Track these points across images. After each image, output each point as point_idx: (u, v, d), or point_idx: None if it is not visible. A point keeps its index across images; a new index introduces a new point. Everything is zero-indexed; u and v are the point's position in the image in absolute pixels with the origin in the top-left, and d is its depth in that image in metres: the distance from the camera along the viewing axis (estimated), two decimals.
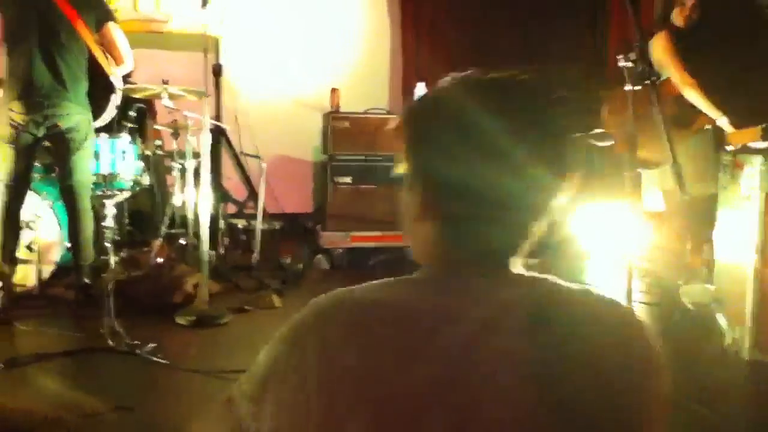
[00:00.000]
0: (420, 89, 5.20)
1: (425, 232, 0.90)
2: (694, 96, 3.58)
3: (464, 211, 0.86)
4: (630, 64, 1.83)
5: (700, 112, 3.60)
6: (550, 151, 0.87)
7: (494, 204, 0.85)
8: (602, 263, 4.59)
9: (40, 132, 3.45)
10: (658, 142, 3.00)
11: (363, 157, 4.98)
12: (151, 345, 2.93)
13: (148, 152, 4.35)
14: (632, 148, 1.89)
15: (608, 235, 4.55)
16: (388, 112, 5.31)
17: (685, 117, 3.69)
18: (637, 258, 4.34)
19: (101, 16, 3.55)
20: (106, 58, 3.58)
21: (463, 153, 0.85)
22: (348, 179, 4.94)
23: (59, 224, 3.77)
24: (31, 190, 3.61)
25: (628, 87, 1.84)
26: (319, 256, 4.76)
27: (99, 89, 3.58)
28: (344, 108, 5.18)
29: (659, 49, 3.70)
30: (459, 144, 0.86)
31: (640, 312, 3.78)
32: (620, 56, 1.85)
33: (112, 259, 3.81)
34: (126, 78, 4.45)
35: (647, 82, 1.87)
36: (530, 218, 0.89)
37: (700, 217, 3.79)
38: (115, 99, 3.62)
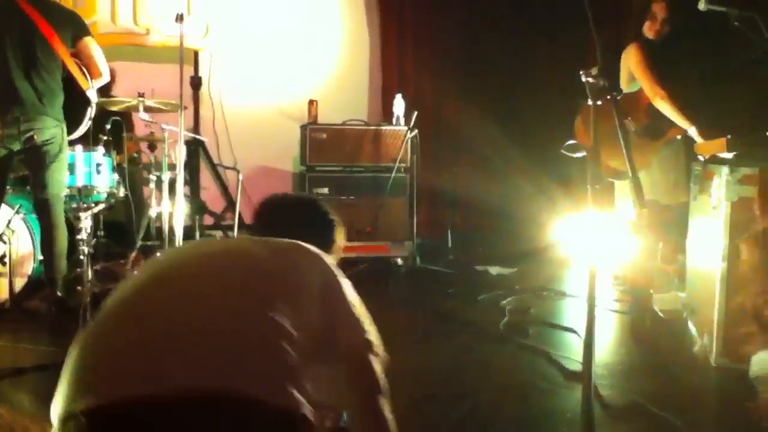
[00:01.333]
0: (398, 100, 5.25)
1: None
2: (665, 107, 3.64)
3: None
4: (591, 80, 1.87)
5: (672, 122, 3.67)
6: None
7: None
8: (582, 272, 4.63)
9: (16, 146, 3.44)
10: (628, 153, 3.05)
11: (341, 168, 5.01)
12: None
13: (123, 164, 4.34)
14: (595, 161, 1.91)
15: (586, 244, 4.61)
16: (366, 124, 5.34)
17: (657, 127, 3.75)
18: (609, 266, 4.41)
19: (77, 31, 3.56)
20: (82, 72, 3.58)
21: None
22: (326, 190, 4.97)
23: (32, 237, 3.75)
24: (4, 202, 3.59)
25: (590, 102, 1.88)
26: None
27: (75, 103, 3.58)
28: (323, 119, 5.21)
29: (632, 60, 3.77)
30: None
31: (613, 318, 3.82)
32: (582, 72, 1.88)
33: (88, 272, 3.81)
34: (105, 90, 4.45)
35: (608, 97, 1.91)
36: None
37: (673, 226, 3.86)
38: (90, 112, 3.62)
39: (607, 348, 3.32)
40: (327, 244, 1.77)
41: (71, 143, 3.69)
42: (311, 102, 5.28)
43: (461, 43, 6.04)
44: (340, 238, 1.85)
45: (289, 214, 1.84)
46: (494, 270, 4.92)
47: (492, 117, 5.65)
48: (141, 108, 4.07)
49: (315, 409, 1.15)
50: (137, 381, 1.08)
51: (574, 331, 3.48)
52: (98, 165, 3.92)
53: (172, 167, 4.07)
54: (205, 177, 5.37)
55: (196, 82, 5.42)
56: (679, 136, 3.79)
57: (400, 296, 4.56)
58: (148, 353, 1.13)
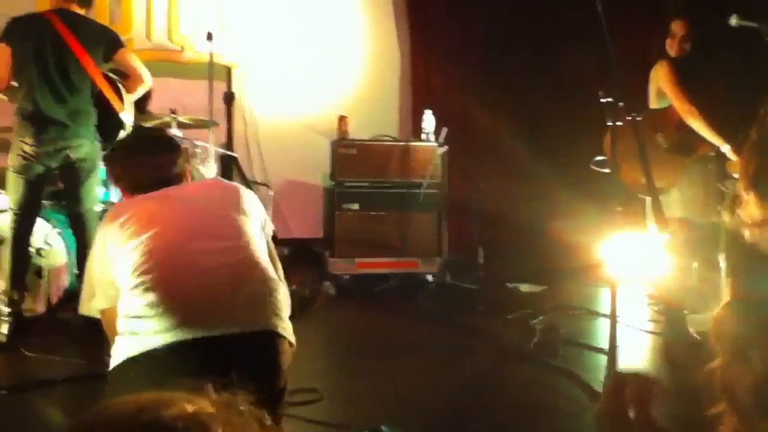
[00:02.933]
0: (428, 116, 5.25)
1: None
2: (696, 124, 3.58)
3: None
4: (610, 100, 1.84)
5: (703, 138, 3.60)
6: None
7: None
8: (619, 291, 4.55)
9: (53, 163, 3.52)
10: (659, 170, 3.00)
11: (370, 184, 5.02)
12: None
13: None
14: (615, 180, 1.89)
15: (618, 263, 4.52)
16: (396, 139, 5.35)
17: (688, 144, 3.68)
18: (643, 285, 4.32)
19: (111, 45, 3.63)
20: (117, 93, 3.65)
21: None
22: (355, 205, 4.98)
23: (68, 251, 3.83)
24: (40, 217, 3.68)
25: (609, 122, 1.85)
26: (326, 282, 4.78)
27: (109, 122, 3.65)
28: (353, 135, 5.23)
29: (661, 76, 3.71)
30: None
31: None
32: (601, 92, 1.86)
33: None
34: (142, 107, 4.56)
35: (628, 118, 1.89)
36: None
37: (707, 244, 3.77)
38: (123, 135, 3.68)
39: (637, 367, 3.26)
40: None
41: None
42: (341, 117, 5.31)
43: (490, 58, 6.02)
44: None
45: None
46: (525, 287, 4.86)
47: (522, 132, 5.61)
48: (174, 124, 4.15)
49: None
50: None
51: (605, 352, 3.41)
52: None
53: None
54: None
55: (228, 98, 5.48)
56: (711, 153, 3.71)
57: (428, 312, 4.54)
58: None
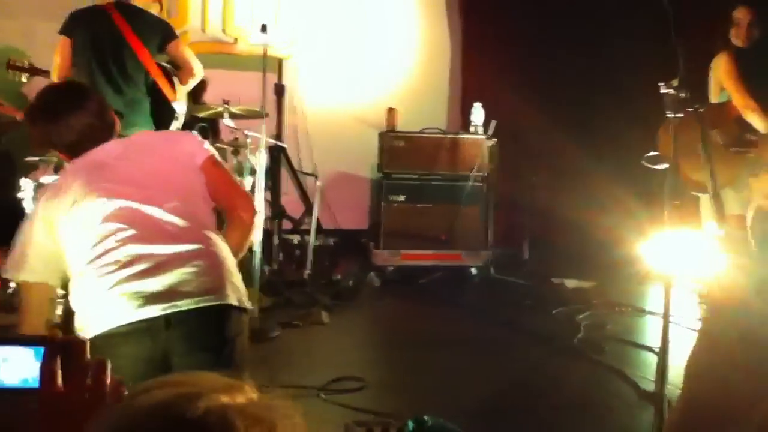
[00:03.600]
0: (477, 109, 5.22)
1: None
2: (756, 120, 3.47)
3: None
4: (671, 91, 1.81)
5: (763, 135, 3.49)
6: None
7: None
8: (671, 289, 4.45)
9: None
10: (715, 166, 2.92)
11: (417, 176, 5.03)
12: None
13: None
14: (674, 175, 1.85)
15: (668, 260, 4.42)
16: (444, 132, 5.34)
17: (747, 140, 3.57)
18: (695, 284, 4.22)
19: (165, 36, 3.70)
20: (170, 83, 3.74)
21: None
22: (402, 197, 5.00)
23: None
24: None
25: (669, 114, 1.82)
26: (371, 273, 4.82)
27: (163, 111, 3.75)
28: (401, 127, 5.24)
29: (720, 70, 3.61)
30: None
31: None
32: (662, 83, 1.82)
33: None
34: (197, 97, 4.67)
35: (690, 110, 1.85)
36: None
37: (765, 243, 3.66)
38: (176, 124, 3.77)
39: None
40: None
41: None
42: (390, 109, 5.33)
43: (543, 51, 5.94)
44: None
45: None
46: (571, 283, 4.80)
47: (573, 126, 5.53)
48: (226, 115, 4.24)
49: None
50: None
51: (651, 350, 3.36)
52: None
53: (254, 172, 4.21)
54: (286, 182, 5.50)
55: (279, 90, 5.56)
56: None
57: (473, 306, 4.53)
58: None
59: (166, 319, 1.76)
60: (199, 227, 1.94)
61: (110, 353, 1.60)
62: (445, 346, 3.60)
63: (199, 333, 1.82)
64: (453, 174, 5.05)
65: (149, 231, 1.87)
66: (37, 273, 1.91)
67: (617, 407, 2.77)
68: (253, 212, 2.06)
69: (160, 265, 1.81)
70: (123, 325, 1.75)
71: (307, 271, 4.56)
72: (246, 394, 0.67)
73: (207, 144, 2.12)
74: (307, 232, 4.86)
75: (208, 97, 4.98)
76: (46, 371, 0.78)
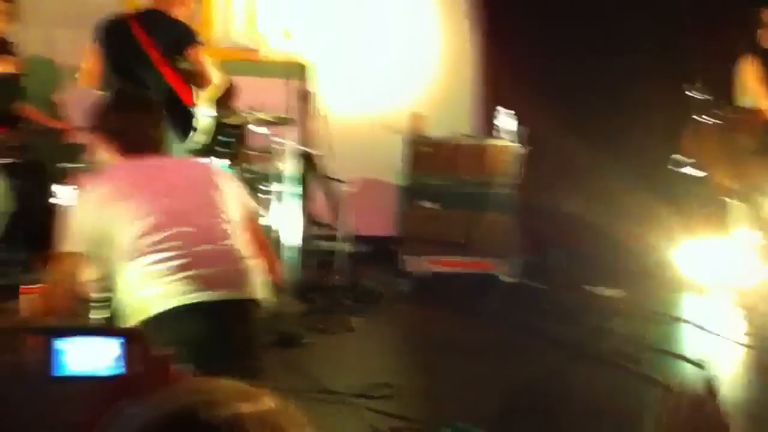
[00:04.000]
0: (503, 114, 5.19)
1: None
2: None
3: None
4: (695, 94, 1.77)
5: None
6: None
7: None
8: (696, 297, 4.39)
9: None
10: (742, 172, 2.87)
11: (443, 182, 5.02)
12: None
13: (236, 174, 4.53)
14: (712, 178, 1.82)
15: (701, 268, 4.36)
16: (470, 137, 5.32)
17: None
18: (731, 293, 4.15)
19: (184, 41, 3.71)
20: (189, 88, 3.75)
21: None
22: (428, 203, 4.98)
23: None
24: None
25: (695, 117, 1.78)
26: (399, 279, 4.80)
27: (181, 116, 3.75)
28: (426, 131, 5.23)
29: (747, 75, 3.56)
30: None
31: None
32: (686, 85, 1.79)
33: None
34: (225, 103, 4.70)
35: (715, 112, 1.81)
36: None
37: None
38: (193, 134, 3.78)
39: (724, 381, 3.14)
40: None
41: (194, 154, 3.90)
42: (415, 115, 5.32)
43: (569, 55, 5.89)
44: None
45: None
46: (601, 291, 4.75)
47: (601, 131, 5.48)
48: (253, 121, 4.26)
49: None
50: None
51: (686, 359, 3.31)
52: None
53: (281, 179, 4.22)
54: (313, 188, 5.51)
55: (303, 95, 5.58)
56: None
57: (501, 313, 4.48)
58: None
59: (213, 306, 2.00)
60: (241, 238, 2.18)
61: (166, 331, 1.86)
62: (473, 353, 3.58)
63: (237, 323, 2.07)
64: (480, 180, 5.02)
65: (202, 229, 2.09)
66: (77, 246, 2.05)
67: (649, 417, 2.73)
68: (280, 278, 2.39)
69: (208, 259, 2.03)
70: (177, 307, 1.96)
71: (336, 277, 4.56)
72: (263, 403, 0.69)
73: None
74: (335, 238, 4.86)
75: (236, 103, 5.01)
76: (121, 360, 0.82)
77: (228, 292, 2.03)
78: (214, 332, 1.99)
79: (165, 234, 2.02)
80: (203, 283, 1.99)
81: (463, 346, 3.69)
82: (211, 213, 2.15)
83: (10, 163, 3.86)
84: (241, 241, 2.16)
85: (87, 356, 0.85)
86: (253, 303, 2.11)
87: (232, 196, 2.25)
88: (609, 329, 3.82)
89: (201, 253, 2.04)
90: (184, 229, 2.05)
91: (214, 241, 2.09)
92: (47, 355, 0.83)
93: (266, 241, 2.41)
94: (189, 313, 1.96)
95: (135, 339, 0.85)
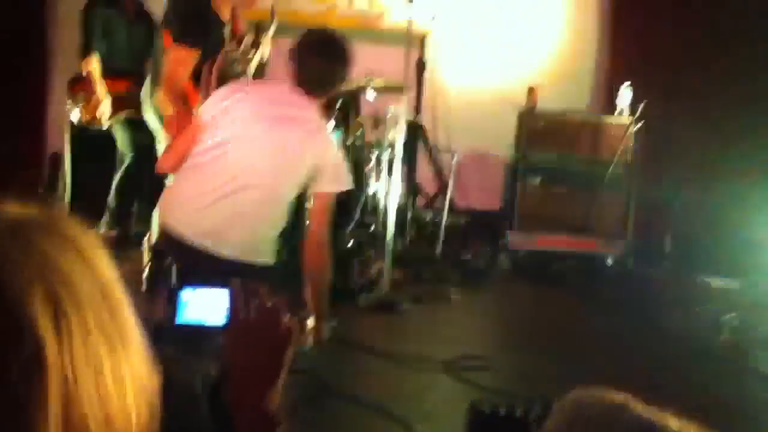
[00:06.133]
0: (625, 90, 4.98)
1: None
2: None
3: None
4: None
5: None
6: None
7: None
8: None
9: None
10: None
11: (556, 158, 4.89)
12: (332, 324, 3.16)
13: (349, 141, 4.64)
14: None
15: None
16: (587, 113, 5.15)
17: None
18: None
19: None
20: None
21: None
22: (538, 180, 4.88)
23: None
24: None
25: None
26: (502, 255, 4.76)
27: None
28: (541, 106, 5.11)
29: None
30: None
31: None
32: None
33: None
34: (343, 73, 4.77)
35: None
36: None
37: None
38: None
39: None
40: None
41: None
42: (531, 89, 5.20)
43: (702, 32, 5.53)
44: None
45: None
46: (716, 282, 4.50)
47: (729, 114, 5.13)
48: (368, 88, 4.32)
49: None
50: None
51: None
52: None
53: (391, 147, 4.27)
54: (421, 158, 5.54)
55: (420, 66, 5.58)
56: None
57: (607, 298, 4.36)
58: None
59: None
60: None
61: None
62: (573, 336, 3.52)
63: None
64: (594, 158, 4.86)
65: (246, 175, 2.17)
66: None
67: (763, 418, 2.59)
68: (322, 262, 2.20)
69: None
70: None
71: (438, 249, 4.59)
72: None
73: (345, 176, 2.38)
74: (440, 209, 4.88)
75: (352, 71, 5.09)
76: (235, 308, 0.89)
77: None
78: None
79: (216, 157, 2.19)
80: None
81: (563, 328, 3.64)
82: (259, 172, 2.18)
83: (136, 118, 4.08)
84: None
85: (205, 307, 0.93)
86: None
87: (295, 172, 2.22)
88: (722, 321, 3.63)
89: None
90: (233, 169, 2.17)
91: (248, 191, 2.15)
92: (173, 306, 0.91)
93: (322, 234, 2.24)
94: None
95: (245, 291, 0.91)
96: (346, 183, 2.36)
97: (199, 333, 0.90)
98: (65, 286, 0.57)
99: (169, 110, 2.96)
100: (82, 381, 0.55)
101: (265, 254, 2.10)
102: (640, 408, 0.72)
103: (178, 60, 2.92)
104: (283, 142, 2.21)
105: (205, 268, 1.97)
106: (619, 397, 0.75)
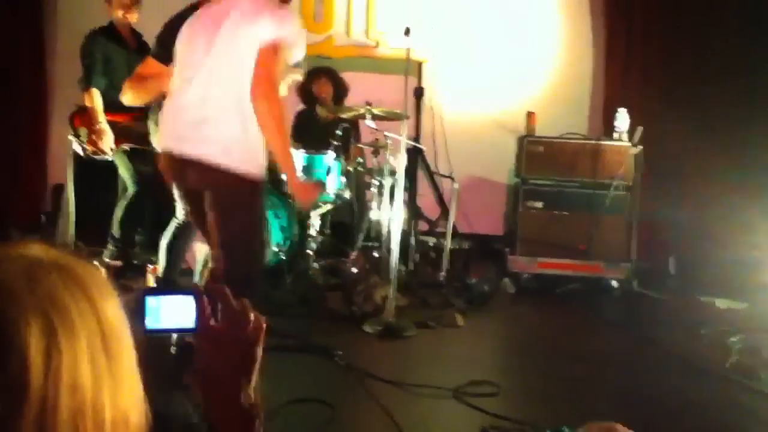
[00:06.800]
0: (622, 115, 5.02)
1: None
2: None
3: None
4: None
5: None
6: None
7: None
8: None
9: None
10: None
11: (556, 182, 4.91)
12: (338, 352, 3.14)
13: (350, 168, 4.66)
14: None
15: None
16: (586, 138, 5.18)
17: None
18: None
19: None
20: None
21: None
22: (540, 204, 4.90)
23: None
24: None
25: None
26: (506, 279, 4.75)
27: None
28: (540, 131, 5.14)
29: None
30: None
31: None
32: None
33: (314, 266, 4.15)
34: (339, 100, 4.85)
35: None
36: None
37: None
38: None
39: None
40: None
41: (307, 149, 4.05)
42: (529, 114, 5.25)
43: (695, 57, 5.61)
44: None
45: None
46: (722, 303, 4.49)
47: (725, 136, 5.18)
48: (368, 116, 4.35)
49: None
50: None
51: None
52: (329, 168, 4.25)
53: (392, 173, 4.29)
54: (423, 184, 5.56)
55: (418, 93, 5.63)
56: None
57: (612, 320, 4.35)
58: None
59: None
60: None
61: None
62: (581, 359, 3.49)
63: None
64: (594, 181, 4.88)
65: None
66: None
67: None
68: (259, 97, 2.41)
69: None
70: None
71: (443, 274, 4.59)
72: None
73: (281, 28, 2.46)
74: (443, 234, 4.88)
75: (350, 99, 5.14)
76: (199, 314, 0.94)
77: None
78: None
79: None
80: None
81: (570, 351, 3.61)
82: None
83: (138, 149, 4.12)
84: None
85: (174, 313, 0.97)
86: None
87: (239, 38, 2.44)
88: (727, 343, 3.61)
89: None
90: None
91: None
92: (141, 311, 0.96)
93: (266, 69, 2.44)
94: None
95: (210, 294, 0.96)
96: (290, 30, 2.51)
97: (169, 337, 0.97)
98: (63, 321, 0.62)
99: None
100: (62, 409, 0.60)
101: (244, 160, 2.42)
102: None
103: (150, 70, 3.00)
104: (218, 28, 2.45)
105: (192, 178, 2.48)
106: None
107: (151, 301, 0.94)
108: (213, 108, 2.43)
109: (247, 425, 0.95)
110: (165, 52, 2.82)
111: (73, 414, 0.61)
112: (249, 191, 2.50)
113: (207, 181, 2.48)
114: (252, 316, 0.96)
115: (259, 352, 0.96)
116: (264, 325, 0.97)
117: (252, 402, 0.95)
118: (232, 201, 2.48)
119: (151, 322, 0.93)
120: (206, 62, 2.44)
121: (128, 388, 0.67)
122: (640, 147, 4.86)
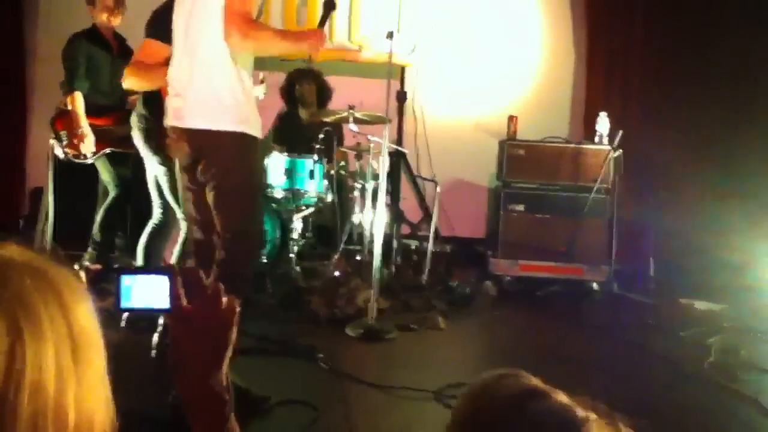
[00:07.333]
0: (603, 119, 5.07)
1: None
2: None
3: None
4: None
5: None
6: None
7: None
8: None
9: None
10: None
11: (538, 186, 4.95)
12: (320, 355, 3.14)
13: (332, 172, 4.66)
14: None
15: None
16: (567, 141, 5.23)
17: None
18: None
19: None
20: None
21: None
22: (521, 207, 4.93)
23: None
24: None
25: None
26: (488, 282, 4.77)
27: None
28: (522, 135, 5.18)
29: None
30: None
31: None
32: None
33: (296, 269, 4.14)
34: (323, 103, 4.85)
35: None
36: None
37: None
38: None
39: None
40: None
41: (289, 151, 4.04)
42: (511, 118, 5.28)
43: (676, 62, 5.68)
44: None
45: None
46: (700, 304, 4.54)
47: (704, 139, 5.25)
48: (351, 120, 4.36)
49: None
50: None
51: None
52: (311, 171, 4.24)
53: (375, 177, 4.30)
54: (405, 187, 5.57)
55: (401, 97, 5.65)
56: None
57: (593, 323, 4.38)
58: None
59: None
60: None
61: None
62: (562, 362, 3.50)
63: None
64: (575, 185, 4.92)
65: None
66: None
67: None
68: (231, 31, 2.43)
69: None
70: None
71: (425, 277, 4.60)
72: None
73: None
74: (425, 237, 4.89)
75: (334, 103, 5.14)
76: (173, 294, 0.95)
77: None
78: None
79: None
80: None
81: (552, 354, 3.62)
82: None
83: (119, 152, 4.09)
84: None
85: (148, 292, 0.97)
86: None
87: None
88: (707, 344, 3.65)
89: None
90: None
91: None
92: (117, 290, 0.97)
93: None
94: None
95: (183, 276, 0.96)
96: None
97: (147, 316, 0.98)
98: (31, 322, 0.63)
99: None
100: (22, 410, 0.60)
101: (233, 120, 2.50)
102: (551, 393, 0.73)
103: (148, 51, 3.11)
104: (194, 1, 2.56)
105: (185, 146, 2.56)
106: (530, 381, 0.76)
107: (126, 280, 0.93)
108: (198, 74, 2.52)
109: (216, 408, 0.95)
110: (159, 32, 2.97)
111: (33, 415, 0.61)
112: (241, 150, 2.56)
113: (199, 144, 2.54)
114: (225, 299, 0.96)
115: (233, 336, 0.96)
116: (237, 309, 0.97)
117: (223, 385, 0.95)
118: (224, 163, 2.53)
119: (126, 301, 0.94)
120: (188, 33, 2.56)
121: (95, 392, 0.67)
122: (621, 150, 4.91)
